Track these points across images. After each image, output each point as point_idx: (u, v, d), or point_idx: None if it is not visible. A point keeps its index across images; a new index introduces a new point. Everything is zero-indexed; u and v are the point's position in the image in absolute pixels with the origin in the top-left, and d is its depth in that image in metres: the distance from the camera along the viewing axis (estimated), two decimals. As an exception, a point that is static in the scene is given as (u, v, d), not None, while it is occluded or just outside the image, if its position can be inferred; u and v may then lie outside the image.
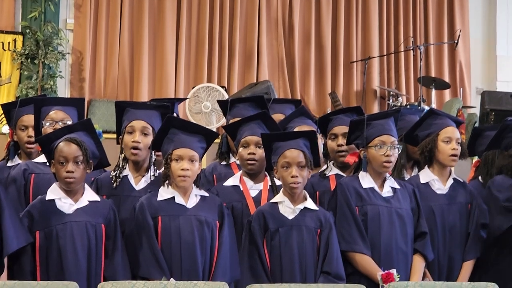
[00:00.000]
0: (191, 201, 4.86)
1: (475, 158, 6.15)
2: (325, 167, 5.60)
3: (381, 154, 5.05)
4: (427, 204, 5.35)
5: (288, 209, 4.89)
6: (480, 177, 5.84)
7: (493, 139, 5.65)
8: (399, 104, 11.56)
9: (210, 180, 5.70)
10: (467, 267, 5.45)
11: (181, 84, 11.72)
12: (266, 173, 5.32)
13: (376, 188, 5.15)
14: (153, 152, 5.14)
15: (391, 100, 11.82)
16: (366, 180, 5.17)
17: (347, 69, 12.64)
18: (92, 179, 5.26)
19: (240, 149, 5.29)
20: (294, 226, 4.86)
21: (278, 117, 6.00)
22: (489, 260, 5.43)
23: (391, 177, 5.22)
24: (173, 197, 4.85)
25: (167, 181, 4.88)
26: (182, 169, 4.74)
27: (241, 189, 5.26)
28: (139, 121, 5.16)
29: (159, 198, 4.84)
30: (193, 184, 4.90)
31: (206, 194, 4.95)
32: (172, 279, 4.69)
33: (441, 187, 5.46)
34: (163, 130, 4.93)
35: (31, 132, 5.62)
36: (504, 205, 5.39)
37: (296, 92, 12.27)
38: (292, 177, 4.78)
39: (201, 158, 4.94)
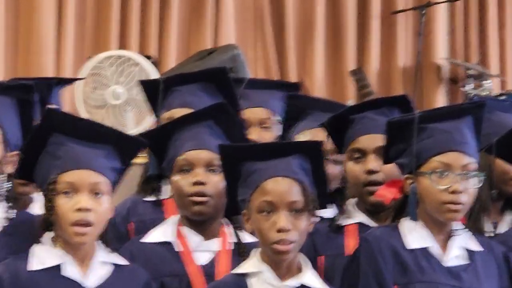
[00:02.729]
0: (94, 275, 3.78)
1: None
2: (336, 210, 4.41)
3: (442, 188, 3.82)
4: None
5: (269, 288, 3.96)
6: None
7: None
8: (485, 92, 9.64)
9: (123, 232, 4.49)
10: None
11: (68, 52, 9.40)
12: (225, 220, 4.19)
13: (435, 249, 3.91)
14: None
15: (469, 85, 9.80)
16: (415, 236, 3.94)
17: (385, 26, 10.21)
18: None
19: (176, 176, 4.10)
20: (281, 320, 3.91)
21: (256, 114, 5.04)
22: None
23: (465, 229, 4.01)
24: (59, 266, 3.74)
25: (51, 235, 3.86)
26: (79, 210, 3.67)
27: (178, 250, 4.11)
28: None
29: (33, 266, 3.75)
30: (99, 241, 3.85)
31: (124, 262, 3.87)
32: None
33: None
34: (38, 137, 3.88)
35: None
36: None
37: (289, 68, 10.15)
38: (279, 230, 3.74)
39: (113, 189, 3.84)
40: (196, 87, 4.67)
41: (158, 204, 4.50)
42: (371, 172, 4.16)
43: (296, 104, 4.90)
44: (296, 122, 4.78)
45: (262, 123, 5.15)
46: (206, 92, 4.65)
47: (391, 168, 4.04)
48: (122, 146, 3.86)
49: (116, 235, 4.30)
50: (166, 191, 4.46)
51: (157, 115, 4.71)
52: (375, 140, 4.18)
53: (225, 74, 4.75)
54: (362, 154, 4.21)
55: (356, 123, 4.27)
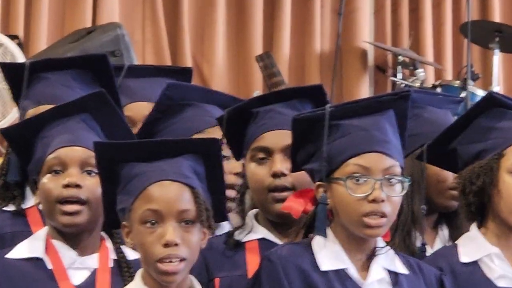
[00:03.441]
0: None
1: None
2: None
3: (360, 196, 3.47)
4: None
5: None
6: None
7: None
8: (419, 83, 9.06)
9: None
10: None
11: None
12: (104, 234, 3.83)
13: (353, 271, 3.52)
14: None
15: (400, 75, 9.30)
16: (327, 255, 3.56)
17: (298, 3, 9.45)
18: None
19: (45, 179, 3.74)
20: None
21: (143, 110, 4.47)
22: None
23: (388, 247, 3.59)
24: None
25: None
26: None
27: (50, 267, 3.72)
28: None
29: None
30: None
31: None
32: None
33: (507, 271, 3.84)
34: None
35: None
36: None
37: (184, 52, 9.53)
38: (166, 245, 3.34)
39: None
40: (68, 75, 4.18)
41: (20, 214, 4.06)
42: (277, 174, 3.75)
43: (173, 95, 4.43)
44: (172, 117, 4.29)
45: None
46: (80, 82, 4.17)
47: (303, 174, 3.62)
48: None
49: None
50: (30, 198, 4.04)
51: (20, 106, 4.22)
52: (283, 137, 3.75)
53: (106, 62, 4.24)
54: (267, 153, 3.83)
55: (260, 117, 3.86)
